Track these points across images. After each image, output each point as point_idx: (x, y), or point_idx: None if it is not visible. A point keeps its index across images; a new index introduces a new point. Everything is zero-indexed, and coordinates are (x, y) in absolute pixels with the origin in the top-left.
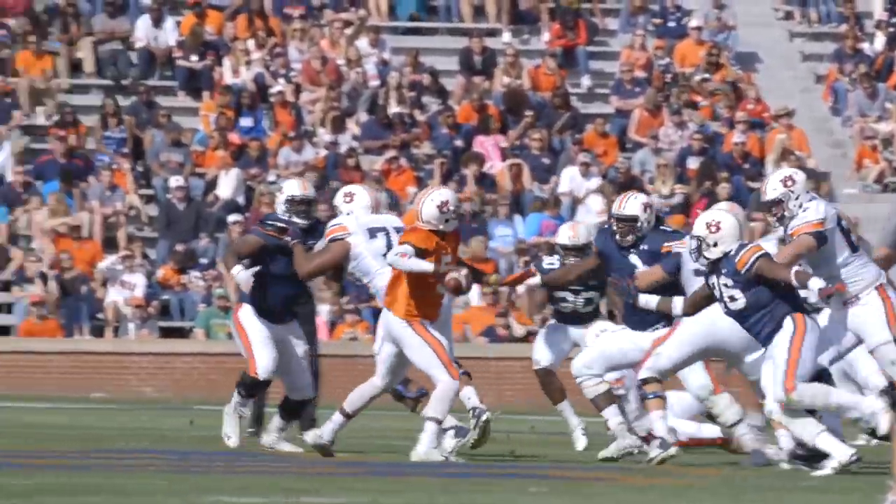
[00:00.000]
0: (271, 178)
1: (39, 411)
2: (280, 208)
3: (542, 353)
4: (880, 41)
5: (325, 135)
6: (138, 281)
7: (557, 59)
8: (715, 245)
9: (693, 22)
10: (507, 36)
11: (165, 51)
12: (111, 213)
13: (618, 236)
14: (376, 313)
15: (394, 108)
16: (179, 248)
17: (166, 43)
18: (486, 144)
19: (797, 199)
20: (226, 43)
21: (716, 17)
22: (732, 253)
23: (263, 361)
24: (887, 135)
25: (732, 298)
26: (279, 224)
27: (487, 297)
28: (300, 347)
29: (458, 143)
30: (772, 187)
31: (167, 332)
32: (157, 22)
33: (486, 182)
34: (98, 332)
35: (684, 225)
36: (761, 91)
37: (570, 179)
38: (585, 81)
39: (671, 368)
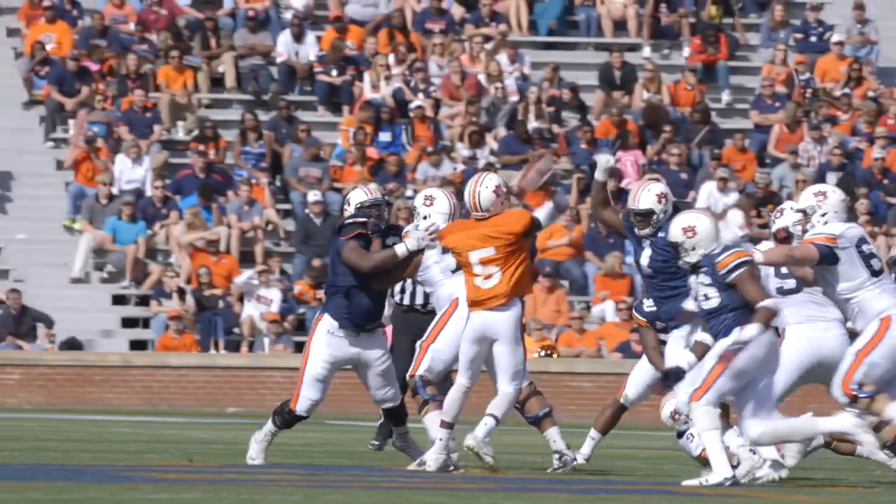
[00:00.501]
0: (409, 192)
1: (176, 426)
2: None
3: (632, 389)
4: None
5: (463, 150)
6: (274, 296)
7: (697, 74)
8: (693, 249)
9: (835, 37)
10: (647, 51)
11: (306, 66)
12: (249, 228)
13: (636, 229)
14: None
15: (533, 123)
16: (316, 262)
17: (307, 58)
18: (624, 160)
19: (823, 214)
20: (366, 58)
21: (858, 31)
22: (716, 252)
23: (304, 403)
24: None
25: (707, 297)
26: (358, 220)
27: (623, 312)
28: (381, 361)
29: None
30: (804, 198)
31: (302, 348)
32: (299, 37)
33: (623, 197)
34: (234, 347)
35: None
36: None
37: (707, 195)
38: (725, 96)
39: (780, 395)
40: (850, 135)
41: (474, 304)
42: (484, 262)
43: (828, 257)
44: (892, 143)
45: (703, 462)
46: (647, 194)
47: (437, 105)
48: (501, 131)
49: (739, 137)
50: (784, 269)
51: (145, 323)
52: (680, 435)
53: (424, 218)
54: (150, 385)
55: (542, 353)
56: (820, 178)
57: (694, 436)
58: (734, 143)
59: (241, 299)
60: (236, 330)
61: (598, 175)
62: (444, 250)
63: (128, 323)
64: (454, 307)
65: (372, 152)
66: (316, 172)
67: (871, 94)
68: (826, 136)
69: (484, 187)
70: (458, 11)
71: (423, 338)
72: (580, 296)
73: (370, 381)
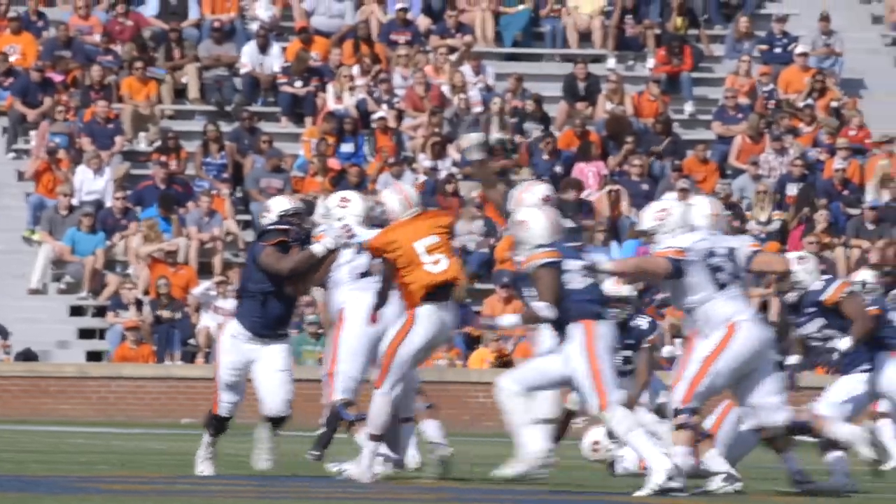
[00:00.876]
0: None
1: (131, 437)
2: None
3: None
4: None
5: (425, 161)
6: (231, 307)
7: (662, 86)
8: (522, 244)
9: (799, 48)
10: (611, 62)
11: (270, 77)
12: (208, 239)
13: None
14: (469, 340)
15: (496, 135)
16: None
17: (271, 69)
18: (586, 171)
19: (668, 232)
20: (331, 69)
21: (823, 43)
22: (530, 249)
23: (224, 407)
24: None
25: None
26: (280, 227)
27: None
28: (279, 364)
29: (558, 169)
30: (646, 218)
31: None
32: (264, 48)
33: (584, 208)
34: (190, 357)
35: (778, 251)
36: (865, 117)
37: None
38: (688, 107)
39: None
40: (812, 146)
41: (430, 291)
42: (430, 251)
43: (675, 271)
44: (853, 154)
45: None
46: (529, 197)
47: (400, 116)
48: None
49: (701, 148)
50: None
51: (102, 334)
52: (611, 466)
53: (339, 220)
54: (105, 396)
55: (497, 364)
56: (780, 189)
57: (624, 457)
58: (696, 153)
59: (198, 310)
60: (192, 341)
61: (473, 156)
62: (360, 250)
63: (85, 334)
64: (340, 324)
65: (334, 163)
66: (277, 183)
67: (834, 104)
68: (787, 148)
69: (408, 186)
70: (423, 23)
71: (325, 368)
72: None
73: (263, 384)
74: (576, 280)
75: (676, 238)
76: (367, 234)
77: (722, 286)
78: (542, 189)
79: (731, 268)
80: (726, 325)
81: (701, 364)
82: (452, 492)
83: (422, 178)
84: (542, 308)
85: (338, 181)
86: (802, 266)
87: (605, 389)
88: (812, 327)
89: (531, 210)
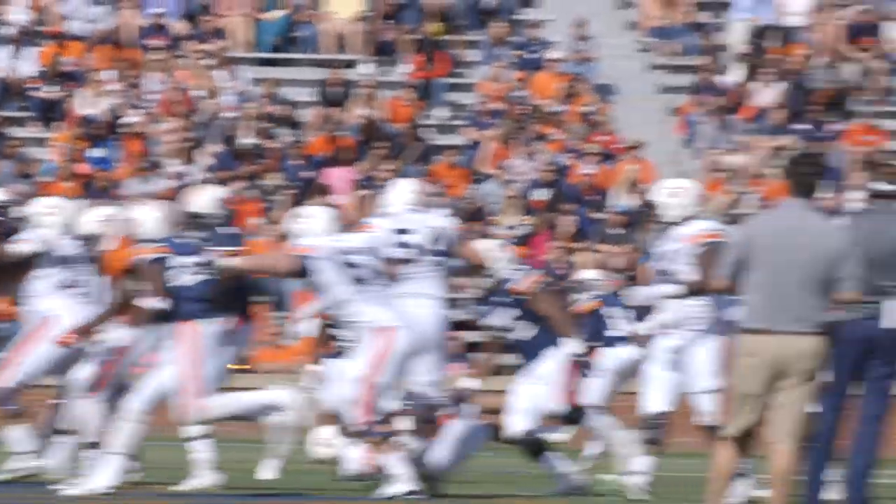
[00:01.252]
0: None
1: None
2: None
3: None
4: (737, 73)
5: (175, 166)
6: None
7: (417, 91)
8: (136, 238)
9: (552, 54)
10: (367, 67)
11: (23, 81)
12: None
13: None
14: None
15: (247, 139)
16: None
17: (26, 73)
18: (336, 176)
19: (312, 237)
20: (84, 73)
21: (578, 48)
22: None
23: None
24: (736, 167)
25: None
26: None
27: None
28: None
29: (309, 174)
30: (293, 222)
31: None
32: (18, 52)
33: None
34: None
35: (526, 257)
36: (617, 123)
37: None
38: (442, 113)
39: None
40: (563, 151)
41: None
42: None
43: (300, 269)
44: (603, 159)
45: (374, 476)
46: (203, 200)
47: (152, 121)
48: (216, 147)
49: (451, 154)
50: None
51: None
52: (337, 466)
53: (45, 227)
54: None
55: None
56: (529, 194)
57: (349, 457)
58: (445, 159)
59: None
60: None
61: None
62: (63, 261)
63: None
64: (44, 327)
65: (83, 168)
66: (24, 188)
67: (585, 110)
68: (537, 153)
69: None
70: (180, 28)
71: (9, 350)
72: (277, 311)
73: None
74: (185, 277)
75: (311, 237)
76: (69, 246)
77: (360, 283)
78: (216, 191)
79: (375, 266)
80: (373, 333)
81: (360, 385)
82: (202, 498)
83: (172, 183)
84: (149, 302)
85: (86, 186)
86: (499, 254)
87: (198, 392)
88: (500, 318)
89: (142, 207)
